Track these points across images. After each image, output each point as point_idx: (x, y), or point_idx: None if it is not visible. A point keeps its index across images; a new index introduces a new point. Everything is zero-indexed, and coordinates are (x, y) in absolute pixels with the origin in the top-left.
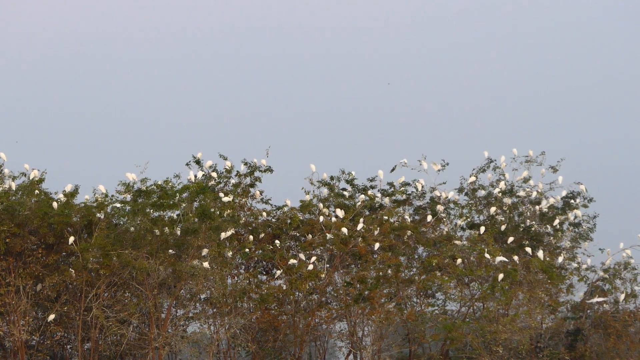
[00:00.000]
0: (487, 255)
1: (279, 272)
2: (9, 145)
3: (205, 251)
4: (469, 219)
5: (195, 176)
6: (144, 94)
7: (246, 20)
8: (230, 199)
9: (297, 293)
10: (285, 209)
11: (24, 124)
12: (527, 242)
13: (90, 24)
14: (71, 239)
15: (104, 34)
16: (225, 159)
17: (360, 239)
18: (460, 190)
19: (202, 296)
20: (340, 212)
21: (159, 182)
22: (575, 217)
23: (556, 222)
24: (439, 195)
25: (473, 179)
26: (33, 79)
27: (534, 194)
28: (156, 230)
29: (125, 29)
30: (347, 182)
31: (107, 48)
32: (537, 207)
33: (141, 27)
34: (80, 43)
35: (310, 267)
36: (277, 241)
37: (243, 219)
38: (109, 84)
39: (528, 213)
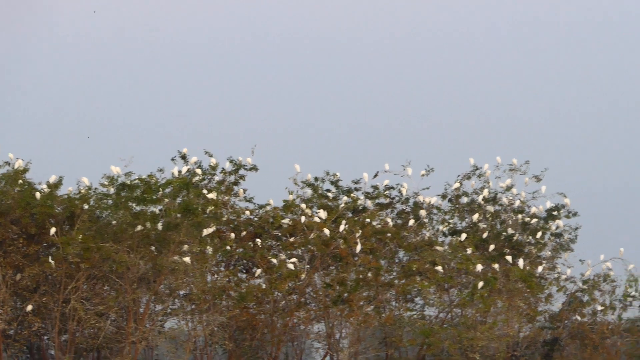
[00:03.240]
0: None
1: (259, 271)
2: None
3: (185, 247)
4: (451, 225)
5: (180, 172)
6: (132, 88)
7: (235, 21)
8: (214, 196)
9: (277, 293)
10: (268, 208)
11: (10, 115)
12: (508, 250)
13: (83, 20)
14: (52, 230)
15: (97, 30)
16: (211, 155)
17: (341, 240)
18: (443, 196)
19: (182, 292)
20: (322, 213)
21: (143, 177)
22: (557, 227)
23: (539, 234)
24: (422, 200)
25: (457, 185)
26: (21, 70)
27: (517, 202)
28: (138, 226)
29: (119, 27)
30: (332, 183)
31: (99, 43)
32: (519, 216)
33: (134, 25)
34: (70, 37)
35: (290, 266)
36: (258, 240)
37: (225, 216)
38: (97, 78)
39: (510, 221)
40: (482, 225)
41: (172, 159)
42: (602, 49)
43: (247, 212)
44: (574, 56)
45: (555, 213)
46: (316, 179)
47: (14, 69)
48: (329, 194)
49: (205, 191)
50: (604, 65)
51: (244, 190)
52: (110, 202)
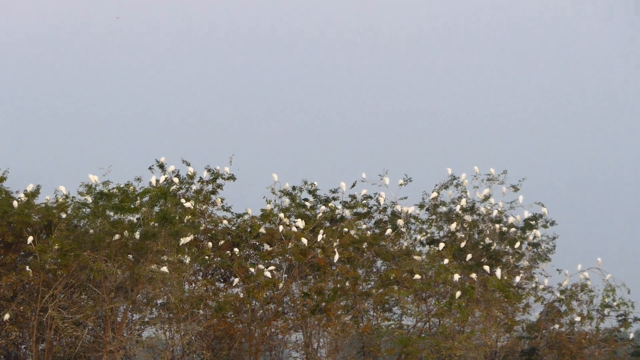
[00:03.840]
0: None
1: (236, 280)
2: None
3: (165, 257)
4: (428, 235)
5: (157, 180)
6: (110, 97)
7: (214, 29)
8: (191, 205)
9: (254, 302)
10: (246, 217)
11: None
12: (486, 260)
13: (77, 20)
14: (30, 239)
15: (76, 35)
16: (189, 164)
17: (319, 250)
18: (421, 206)
19: (159, 301)
20: (300, 223)
21: (121, 185)
22: (535, 237)
23: (517, 244)
24: (400, 209)
25: (435, 195)
26: (6, 74)
27: (495, 212)
28: (116, 235)
29: (113, 27)
30: (310, 192)
31: (85, 46)
32: (497, 226)
33: (115, 31)
34: (54, 35)
35: (267, 274)
36: (236, 249)
37: (203, 225)
38: (76, 87)
39: (488, 231)
40: (459, 234)
41: (150, 168)
42: (585, 61)
43: (225, 221)
44: (553, 67)
45: (532, 223)
46: (294, 188)
47: None
48: (307, 204)
49: (182, 200)
50: (582, 79)
51: (222, 200)
52: (87, 210)
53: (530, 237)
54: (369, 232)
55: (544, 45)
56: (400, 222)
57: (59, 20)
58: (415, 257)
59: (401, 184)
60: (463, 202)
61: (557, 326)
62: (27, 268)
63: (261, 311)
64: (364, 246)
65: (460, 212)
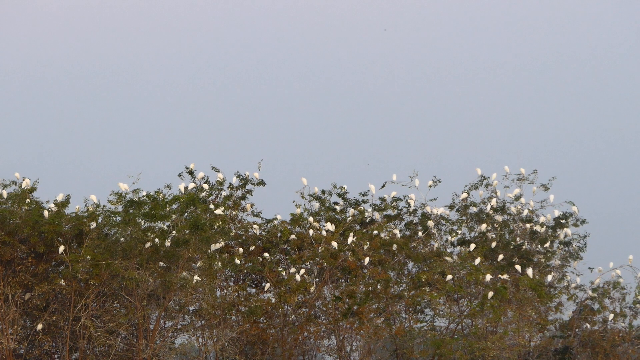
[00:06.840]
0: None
1: (268, 285)
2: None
3: (199, 263)
4: (459, 236)
5: (186, 187)
6: (138, 104)
7: (239, 36)
8: (221, 211)
9: (286, 306)
10: (276, 222)
11: (19, 133)
12: (517, 260)
13: (91, 33)
14: (61, 249)
15: (104, 42)
16: (218, 170)
17: (350, 253)
18: (451, 207)
19: (191, 308)
20: (330, 226)
21: (151, 193)
22: (566, 235)
23: (548, 243)
24: (430, 211)
25: (465, 195)
26: (30, 86)
27: (525, 211)
28: (148, 243)
29: (127, 41)
30: (339, 195)
31: (110, 56)
32: (527, 225)
33: (142, 39)
34: (79, 45)
35: (298, 278)
36: (266, 254)
37: (233, 231)
38: (104, 95)
39: (518, 231)
40: (490, 235)
41: (179, 175)
42: (614, 61)
43: (255, 227)
44: (584, 67)
45: (563, 221)
46: (323, 192)
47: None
48: (337, 207)
49: (212, 206)
50: (611, 76)
51: (252, 205)
52: (118, 219)
53: (561, 236)
54: (399, 235)
55: (580, 43)
56: (430, 223)
57: (94, 30)
58: (447, 259)
59: (430, 185)
60: (493, 202)
61: (589, 325)
62: (60, 278)
63: (293, 316)
64: (394, 248)
65: (490, 212)
